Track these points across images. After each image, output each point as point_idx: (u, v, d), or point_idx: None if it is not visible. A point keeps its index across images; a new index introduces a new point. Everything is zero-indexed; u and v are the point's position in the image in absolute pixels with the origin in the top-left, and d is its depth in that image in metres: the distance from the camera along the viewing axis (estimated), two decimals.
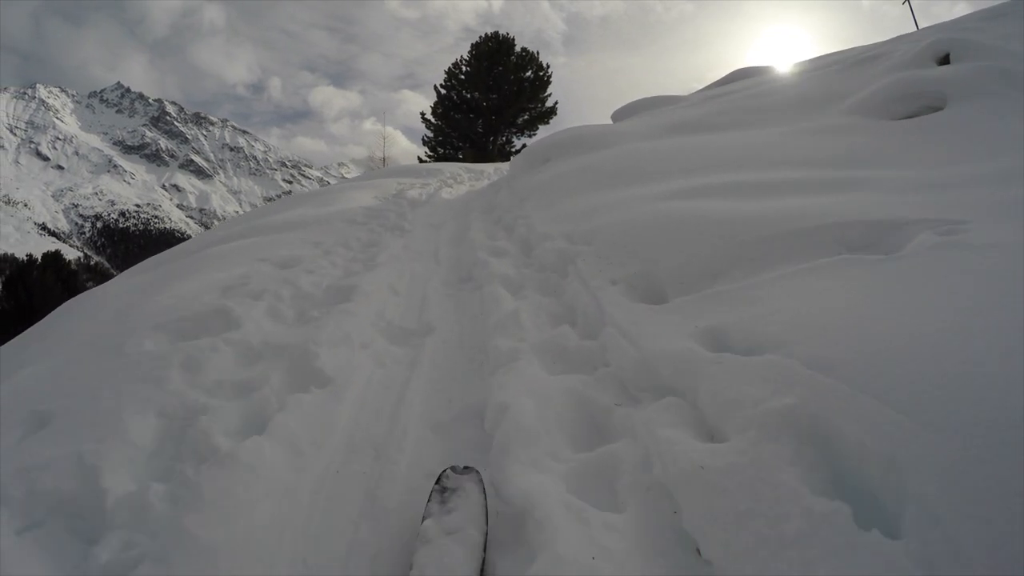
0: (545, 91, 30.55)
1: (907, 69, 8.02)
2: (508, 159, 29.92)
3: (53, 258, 48.65)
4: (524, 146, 30.78)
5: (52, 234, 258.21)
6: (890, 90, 7.33)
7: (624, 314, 3.15)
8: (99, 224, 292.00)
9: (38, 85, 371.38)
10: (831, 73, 10.12)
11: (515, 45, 30.37)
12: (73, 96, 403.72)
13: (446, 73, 30.28)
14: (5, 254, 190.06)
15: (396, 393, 3.03)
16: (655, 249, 3.74)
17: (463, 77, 30.15)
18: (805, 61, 14.39)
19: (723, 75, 17.18)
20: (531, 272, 4.71)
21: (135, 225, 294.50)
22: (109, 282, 8.22)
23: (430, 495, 2.14)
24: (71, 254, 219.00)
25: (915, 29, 14.48)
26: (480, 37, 30.55)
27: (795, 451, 1.66)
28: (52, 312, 5.85)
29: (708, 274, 3.23)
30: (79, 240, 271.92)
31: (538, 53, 30.78)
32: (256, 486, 2.08)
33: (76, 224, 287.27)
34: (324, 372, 2.94)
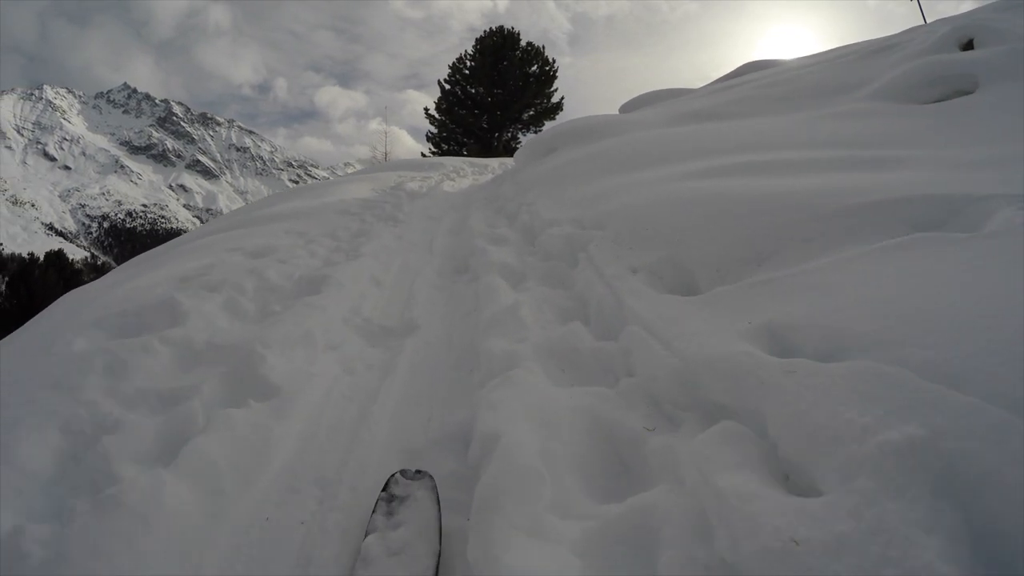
0: (551, 86, 29.80)
1: (929, 55, 7.47)
2: (513, 155, 29.28)
3: (56, 257, 48.38)
4: None
5: (59, 234, 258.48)
6: (916, 75, 6.77)
7: (650, 308, 2.56)
8: (106, 224, 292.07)
9: (45, 86, 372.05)
10: (844, 63, 9.59)
11: (520, 39, 29.71)
12: (80, 97, 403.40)
13: (450, 68, 29.50)
14: (12, 254, 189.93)
15: (360, 408, 2.44)
16: (682, 231, 3.15)
17: (467, 72, 29.39)
18: (815, 54, 13.88)
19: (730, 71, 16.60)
20: (535, 261, 4.12)
21: (142, 225, 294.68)
22: (102, 277, 7.77)
23: (375, 504, 1.84)
24: (78, 254, 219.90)
25: (923, 23, 13.93)
26: (485, 31, 29.82)
27: (931, 511, 1.07)
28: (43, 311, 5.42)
29: (751, 258, 2.64)
30: (86, 240, 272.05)
31: (544, 48, 30.12)
32: (148, 541, 1.50)
33: (83, 224, 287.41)
34: (269, 380, 2.35)
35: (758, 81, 11.02)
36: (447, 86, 29.35)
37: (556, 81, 29.79)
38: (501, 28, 29.82)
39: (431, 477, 1.95)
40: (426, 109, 29.73)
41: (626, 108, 16.96)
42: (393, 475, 1.96)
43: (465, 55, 29.52)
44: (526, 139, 11.69)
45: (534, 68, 29.47)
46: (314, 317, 3.04)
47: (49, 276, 40.31)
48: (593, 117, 11.52)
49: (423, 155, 28.30)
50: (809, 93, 8.43)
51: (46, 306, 5.54)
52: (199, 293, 3.34)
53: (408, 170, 14.22)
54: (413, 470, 2.00)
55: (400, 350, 3.00)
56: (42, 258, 48.00)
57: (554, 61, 29.74)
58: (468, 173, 15.28)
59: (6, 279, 43.28)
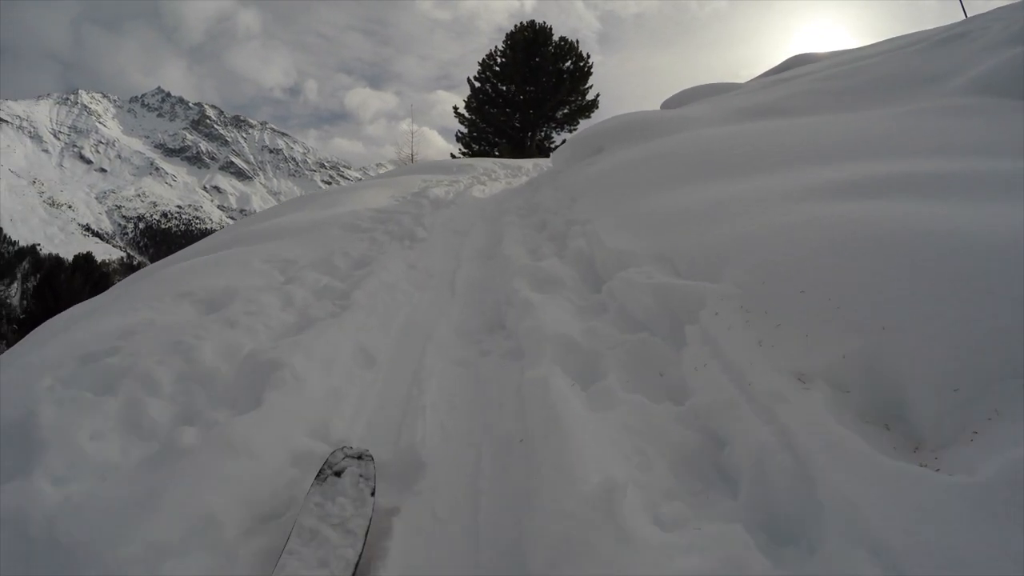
0: (586, 83, 28.14)
1: (1018, 45, 6.13)
2: (547, 155, 27.77)
3: (84, 260, 48.25)
4: (564, 142, 28.78)
5: (96, 235, 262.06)
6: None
7: (880, 507, 1.20)
8: (141, 225, 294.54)
9: (80, 91, 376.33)
10: (910, 54, 8.39)
11: (553, 34, 28.19)
12: (115, 101, 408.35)
13: (480, 65, 27.93)
14: (49, 254, 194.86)
15: None
16: (877, 301, 1.80)
17: (498, 69, 27.80)
18: (865, 47, 12.40)
19: (761, 70, 15.25)
20: (610, 328, 2.69)
21: (177, 226, 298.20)
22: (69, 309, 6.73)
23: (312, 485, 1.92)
24: (114, 254, 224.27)
25: (964, 17, 12.64)
26: (515, 26, 28.26)
27: None
28: None
29: None
30: (122, 240, 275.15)
31: (578, 42, 28.60)
32: None
33: (119, 225, 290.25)
34: None
35: (815, 74, 9.70)
36: (477, 84, 27.91)
37: (591, 77, 28.24)
38: (532, 23, 28.34)
39: (371, 458, 2.02)
40: (455, 108, 28.26)
41: (669, 104, 15.68)
42: (334, 452, 2.05)
43: (495, 51, 28.05)
44: (568, 138, 10.27)
45: (568, 64, 27.93)
46: (235, 466, 1.73)
47: (75, 280, 39.98)
48: (642, 112, 10.13)
49: (452, 156, 27.04)
50: (879, 86, 7.37)
51: None
52: (81, 398, 2.07)
53: (435, 173, 12.97)
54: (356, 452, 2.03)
55: (388, 537, 1.66)
56: (71, 259, 47.98)
57: (588, 56, 28.15)
58: (500, 176, 13.97)
59: (34, 283, 43.29)
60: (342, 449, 2.05)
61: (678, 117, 9.07)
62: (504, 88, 27.92)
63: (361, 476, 1.93)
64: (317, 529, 1.71)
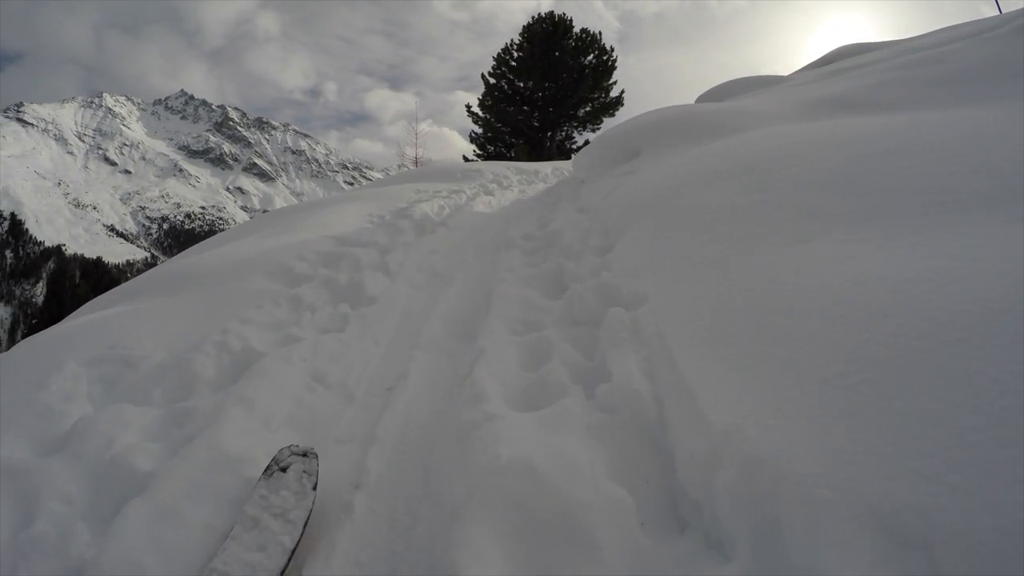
0: (610, 78, 25.55)
1: None
2: (569, 157, 25.36)
3: (94, 266, 47.16)
4: (587, 142, 26.44)
5: (120, 235, 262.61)
6: None
7: None
8: (165, 226, 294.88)
9: (104, 94, 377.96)
10: (989, 40, 6.76)
11: (573, 26, 25.87)
12: (139, 104, 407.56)
13: (495, 59, 25.44)
14: (75, 254, 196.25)
15: None
16: None
17: (514, 64, 25.16)
18: (919, 36, 10.36)
19: (777, 68, 13.45)
20: None
21: (200, 226, 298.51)
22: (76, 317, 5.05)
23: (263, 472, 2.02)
24: (138, 254, 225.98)
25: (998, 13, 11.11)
26: (532, 18, 25.73)
27: None
28: None
29: None
30: (146, 241, 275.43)
31: (600, 34, 26.24)
32: None
33: (143, 226, 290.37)
34: None
35: (887, 62, 7.75)
36: (492, 80, 25.50)
37: (615, 72, 25.86)
38: (551, 14, 26.00)
39: (316, 456, 2.08)
40: (468, 106, 25.69)
41: (706, 99, 13.57)
42: (281, 450, 2.10)
43: (511, 45, 25.62)
44: (594, 137, 7.95)
45: (590, 58, 25.52)
46: None
47: (80, 288, 38.85)
48: (686, 106, 7.97)
49: (465, 158, 24.92)
50: (972, 75, 5.77)
51: None
52: None
53: (434, 181, 10.89)
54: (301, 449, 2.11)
55: None
56: (95, 258, 47.18)
57: (612, 50, 25.74)
58: (513, 182, 11.86)
59: (43, 293, 42.69)
60: (289, 447, 2.11)
61: (734, 111, 6.91)
62: (521, 84, 25.59)
63: (305, 472, 2.01)
64: (259, 518, 1.81)
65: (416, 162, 24.57)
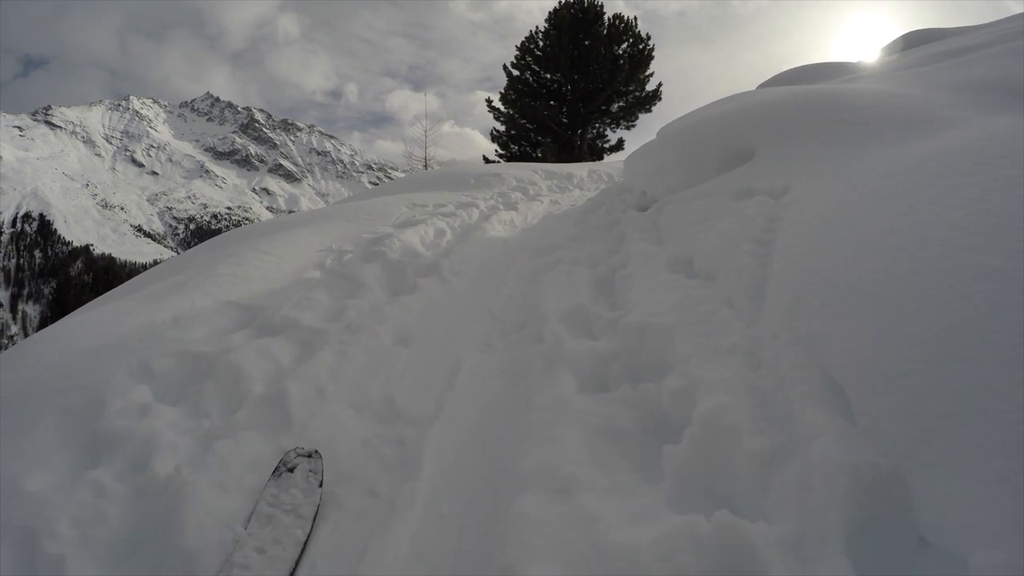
0: (647, 69, 22.37)
1: None
2: (601, 157, 22.66)
3: (104, 272, 45.87)
4: (621, 140, 23.68)
5: (148, 235, 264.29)
6: None
7: None
8: (192, 226, 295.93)
9: (131, 97, 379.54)
10: None
11: (604, 12, 23.14)
12: (165, 107, 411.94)
13: (518, 49, 22.80)
14: (102, 253, 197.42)
15: None
16: None
17: (540, 53, 22.42)
18: (1000, 21, 8.44)
19: (795, 66, 11.06)
20: None
21: (227, 227, 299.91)
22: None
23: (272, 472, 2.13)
24: (165, 254, 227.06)
25: None
26: (560, 3, 22.62)
27: None
28: None
29: None
30: (173, 241, 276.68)
31: (636, 19, 23.53)
32: None
33: (170, 226, 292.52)
34: None
35: (1001, 45, 5.72)
36: (515, 72, 22.68)
37: (652, 62, 23.08)
38: None
39: (320, 457, 2.19)
40: (488, 101, 22.90)
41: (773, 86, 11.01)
42: (288, 452, 2.22)
43: (536, 33, 22.77)
44: (662, 130, 5.28)
45: (624, 47, 22.64)
46: None
47: (86, 298, 37.48)
48: (806, 89, 5.42)
49: (486, 159, 22.43)
50: None
51: None
52: None
53: (439, 189, 8.50)
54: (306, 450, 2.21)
55: None
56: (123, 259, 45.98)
57: (648, 38, 23.01)
58: (542, 190, 9.43)
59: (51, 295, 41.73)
60: (295, 449, 2.23)
61: (888, 95, 4.45)
62: (548, 76, 22.85)
63: (311, 471, 2.13)
64: (272, 515, 1.96)
65: (426, 163, 22.03)
